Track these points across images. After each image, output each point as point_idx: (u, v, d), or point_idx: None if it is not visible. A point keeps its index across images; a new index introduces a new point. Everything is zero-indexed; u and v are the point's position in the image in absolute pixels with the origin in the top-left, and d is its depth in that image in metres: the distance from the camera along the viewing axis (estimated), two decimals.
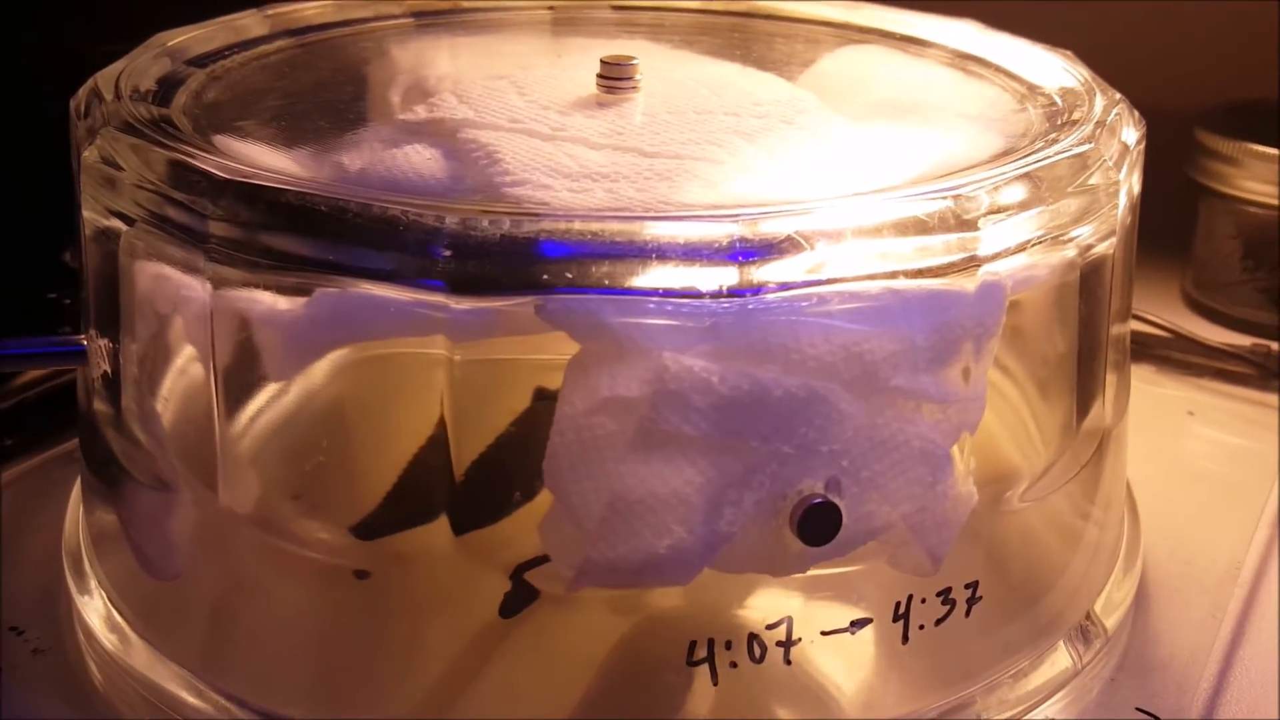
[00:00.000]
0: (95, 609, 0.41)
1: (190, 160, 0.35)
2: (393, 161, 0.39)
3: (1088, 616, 0.41)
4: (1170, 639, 0.43)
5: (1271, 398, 0.58)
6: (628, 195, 0.36)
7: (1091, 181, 0.37)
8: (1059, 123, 0.40)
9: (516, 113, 0.42)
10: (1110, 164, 0.38)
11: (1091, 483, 0.40)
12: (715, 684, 0.34)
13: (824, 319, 0.33)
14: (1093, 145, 0.38)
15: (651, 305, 0.32)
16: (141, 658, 0.39)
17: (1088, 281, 0.38)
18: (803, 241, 0.32)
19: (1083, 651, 0.40)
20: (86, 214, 0.38)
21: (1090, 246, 0.37)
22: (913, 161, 0.39)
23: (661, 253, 0.32)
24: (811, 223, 0.33)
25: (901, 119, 0.43)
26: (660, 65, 0.46)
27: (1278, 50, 0.68)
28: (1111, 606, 0.42)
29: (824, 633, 0.35)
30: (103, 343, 0.38)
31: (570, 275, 0.32)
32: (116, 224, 0.37)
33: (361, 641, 0.37)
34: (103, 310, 0.38)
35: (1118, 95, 0.42)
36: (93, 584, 0.42)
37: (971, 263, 0.34)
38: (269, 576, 0.38)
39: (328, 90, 0.46)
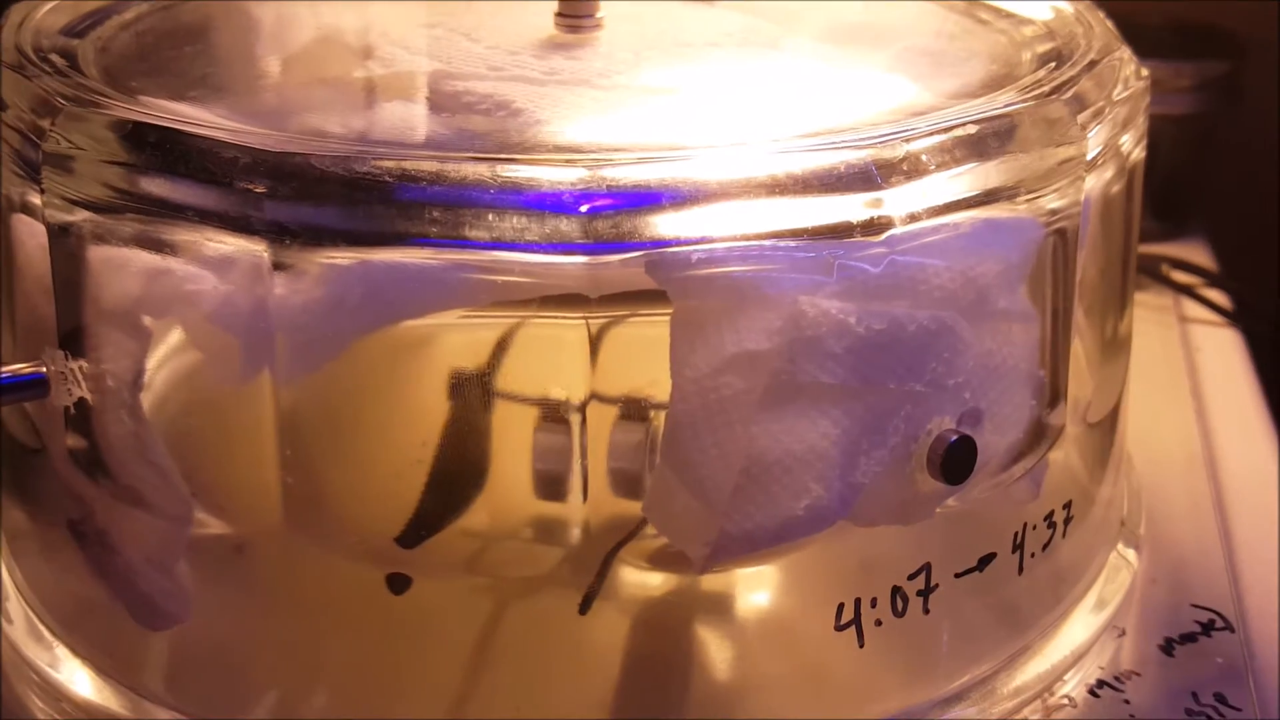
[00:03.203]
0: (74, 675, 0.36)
1: (216, 135, 0.30)
2: (385, 120, 0.35)
3: (1122, 523, 0.41)
4: (1174, 535, 0.43)
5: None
6: (697, 136, 0.33)
7: (1128, 89, 0.36)
8: (1052, 33, 0.40)
9: (488, 60, 0.38)
10: (1136, 68, 0.37)
11: (1123, 391, 0.40)
12: (861, 646, 0.32)
13: (940, 247, 0.31)
14: (1122, 51, 0.37)
15: (778, 249, 0.30)
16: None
17: (1129, 188, 0.37)
18: (931, 163, 0.31)
19: (1132, 558, 0.40)
20: (49, 212, 0.32)
21: (1130, 153, 0.37)
22: (938, 81, 0.37)
23: (785, 187, 0.30)
24: (930, 143, 0.31)
25: (871, 43, 0.42)
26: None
27: None
28: (1134, 511, 0.42)
29: (957, 575, 0.33)
30: (75, 365, 0.32)
31: (704, 221, 0.29)
32: (87, 217, 0.31)
33: (391, 656, 0.34)
34: (73, 325, 0.32)
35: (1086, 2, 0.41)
36: (61, 652, 0.36)
37: (1077, 169, 0.33)
38: (298, 602, 0.34)
39: (238, 53, 0.41)
